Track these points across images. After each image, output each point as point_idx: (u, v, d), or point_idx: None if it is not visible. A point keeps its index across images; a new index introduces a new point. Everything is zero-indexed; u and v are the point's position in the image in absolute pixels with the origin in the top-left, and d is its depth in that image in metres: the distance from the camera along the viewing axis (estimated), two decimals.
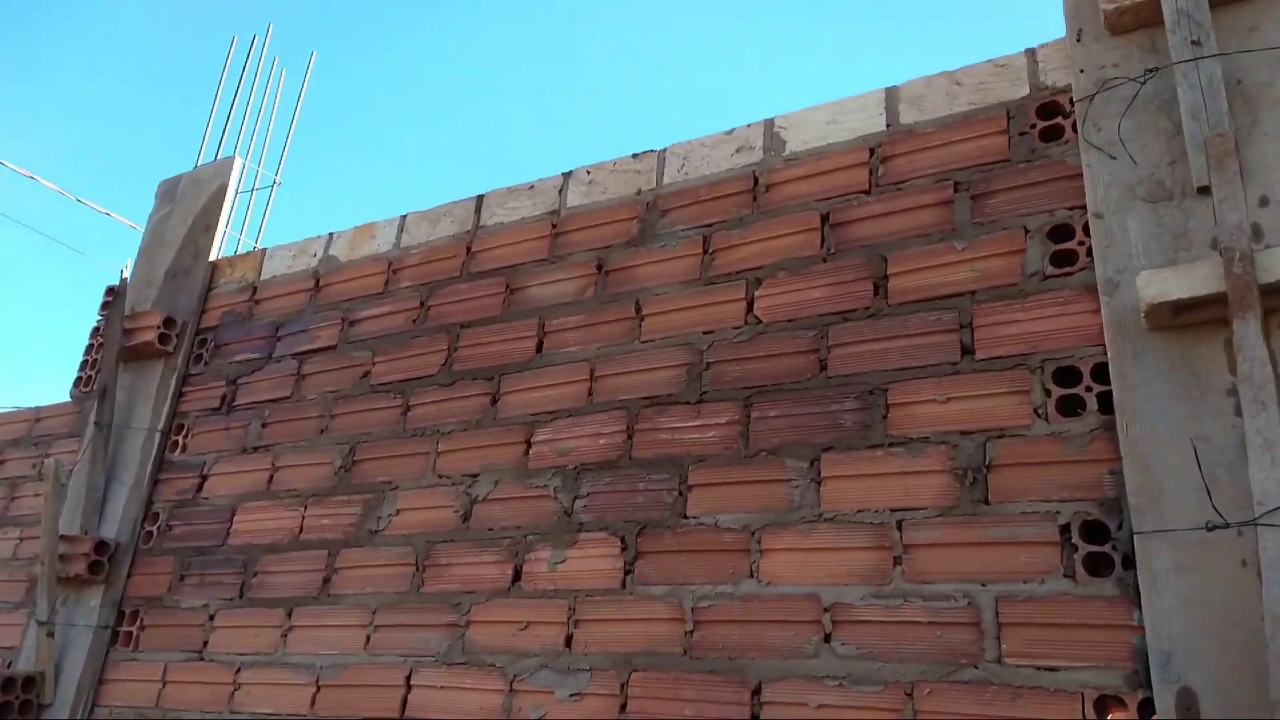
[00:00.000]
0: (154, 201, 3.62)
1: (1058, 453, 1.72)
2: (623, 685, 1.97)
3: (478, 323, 2.59)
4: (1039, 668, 1.61)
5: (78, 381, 3.48)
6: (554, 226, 2.59)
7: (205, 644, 2.62)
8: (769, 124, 2.35)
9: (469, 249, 2.72)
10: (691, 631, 1.94)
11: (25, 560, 3.24)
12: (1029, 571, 1.68)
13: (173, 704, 2.59)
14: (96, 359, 3.48)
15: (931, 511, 1.79)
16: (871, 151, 2.17)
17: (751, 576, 1.92)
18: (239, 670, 2.52)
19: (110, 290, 3.59)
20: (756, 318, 2.15)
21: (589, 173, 2.60)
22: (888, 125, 2.17)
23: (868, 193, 2.14)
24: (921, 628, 1.73)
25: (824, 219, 2.16)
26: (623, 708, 1.96)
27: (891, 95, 2.20)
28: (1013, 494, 1.74)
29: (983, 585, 1.71)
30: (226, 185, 3.42)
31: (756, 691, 1.83)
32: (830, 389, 1.99)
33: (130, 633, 2.78)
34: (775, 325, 2.12)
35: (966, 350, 1.88)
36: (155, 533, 2.89)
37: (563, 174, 2.66)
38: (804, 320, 2.09)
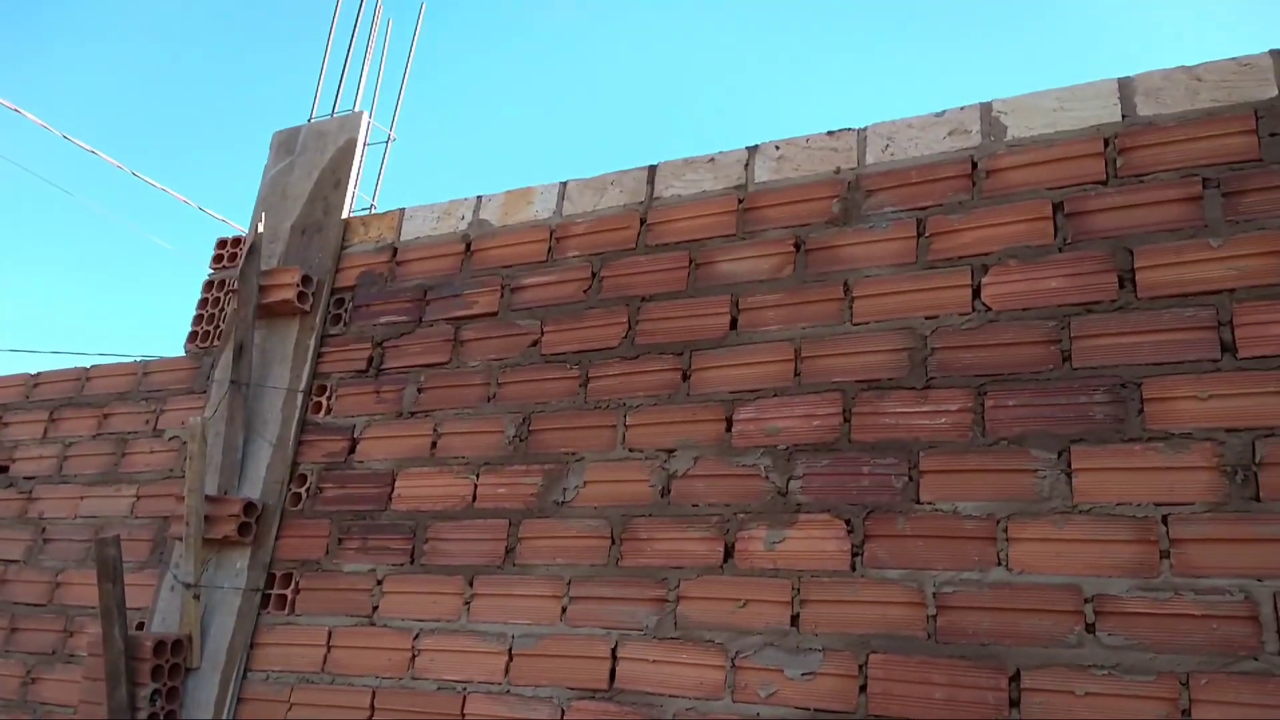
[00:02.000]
0: (268, 153, 3.52)
1: None
2: (860, 667, 1.99)
3: (660, 296, 2.56)
4: None
5: (192, 336, 3.39)
6: (740, 201, 2.56)
7: (375, 609, 2.59)
8: (986, 108, 2.33)
9: (643, 220, 2.68)
10: (934, 616, 1.96)
11: (146, 519, 3.18)
12: None
13: (342, 669, 2.57)
14: (215, 314, 3.39)
15: (1200, 507, 1.82)
16: (1107, 142, 2.16)
17: (1000, 565, 1.94)
18: (417, 636, 2.50)
19: (225, 242, 3.50)
20: (985, 305, 2.15)
21: (778, 148, 2.57)
22: (1123, 116, 2.17)
23: (1104, 183, 2.13)
24: (1194, 620, 1.76)
25: (1056, 208, 2.16)
26: (862, 689, 1.97)
27: (1126, 86, 2.19)
28: None
29: (1259, 580, 1.74)
30: (355, 140, 3.33)
31: (1014, 678, 1.85)
32: (1075, 380, 2.00)
33: (284, 596, 2.74)
34: (1007, 313, 2.12)
35: (1227, 348, 1.90)
36: (304, 495, 2.85)
37: (746, 148, 2.62)
38: (1041, 310, 2.09)
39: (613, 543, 2.36)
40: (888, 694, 1.94)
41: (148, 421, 3.33)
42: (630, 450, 2.43)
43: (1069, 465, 1.95)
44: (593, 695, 2.23)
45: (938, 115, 2.39)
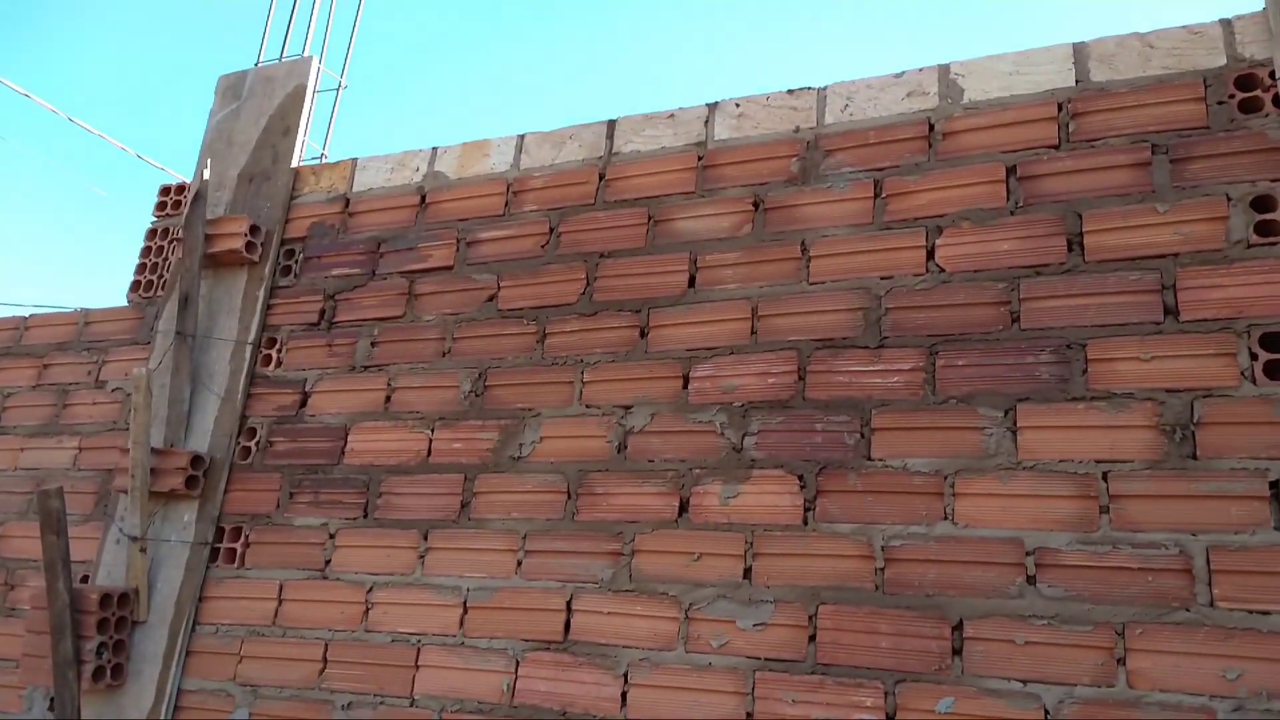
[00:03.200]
0: (214, 98, 3.42)
1: (1266, 414, 1.82)
2: (810, 618, 2.04)
3: (619, 253, 2.56)
4: (1251, 611, 1.74)
5: (135, 286, 3.30)
6: (700, 159, 2.55)
7: (327, 563, 2.58)
8: (944, 70, 2.35)
9: (602, 176, 2.67)
10: (883, 569, 2.01)
11: (89, 472, 3.11)
12: (1240, 523, 1.79)
13: (294, 621, 2.56)
14: (158, 263, 3.30)
15: (1139, 464, 1.88)
16: (1060, 106, 2.20)
17: (946, 519, 2.00)
18: (371, 590, 2.49)
19: (169, 189, 3.40)
20: (939, 266, 2.18)
21: (738, 105, 2.57)
22: (1077, 81, 2.20)
23: (1056, 147, 2.17)
24: (1131, 573, 1.83)
25: (1010, 171, 2.19)
26: (811, 639, 2.03)
27: (1080, 51, 2.22)
28: (1222, 450, 1.83)
29: (1193, 535, 1.81)
30: (305, 86, 3.25)
31: (957, 628, 1.92)
32: (1023, 341, 2.05)
33: (233, 550, 2.71)
34: (960, 275, 2.16)
35: (1169, 311, 1.96)
36: (254, 448, 2.81)
37: (707, 105, 2.61)
38: (992, 272, 2.13)
39: (569, 497, 2.37)
40: (836, 643, 2.00)
41: (89, 372, 3.25)
42: (587, 406, 2.44)
43: (1015, 423, 2.00)
44: (547, 647, 2.26)
45: (896, 76, 2.40)
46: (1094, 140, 2.13)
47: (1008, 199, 2.17)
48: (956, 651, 1.91)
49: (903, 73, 2.40)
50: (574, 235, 2.64)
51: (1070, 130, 2.17)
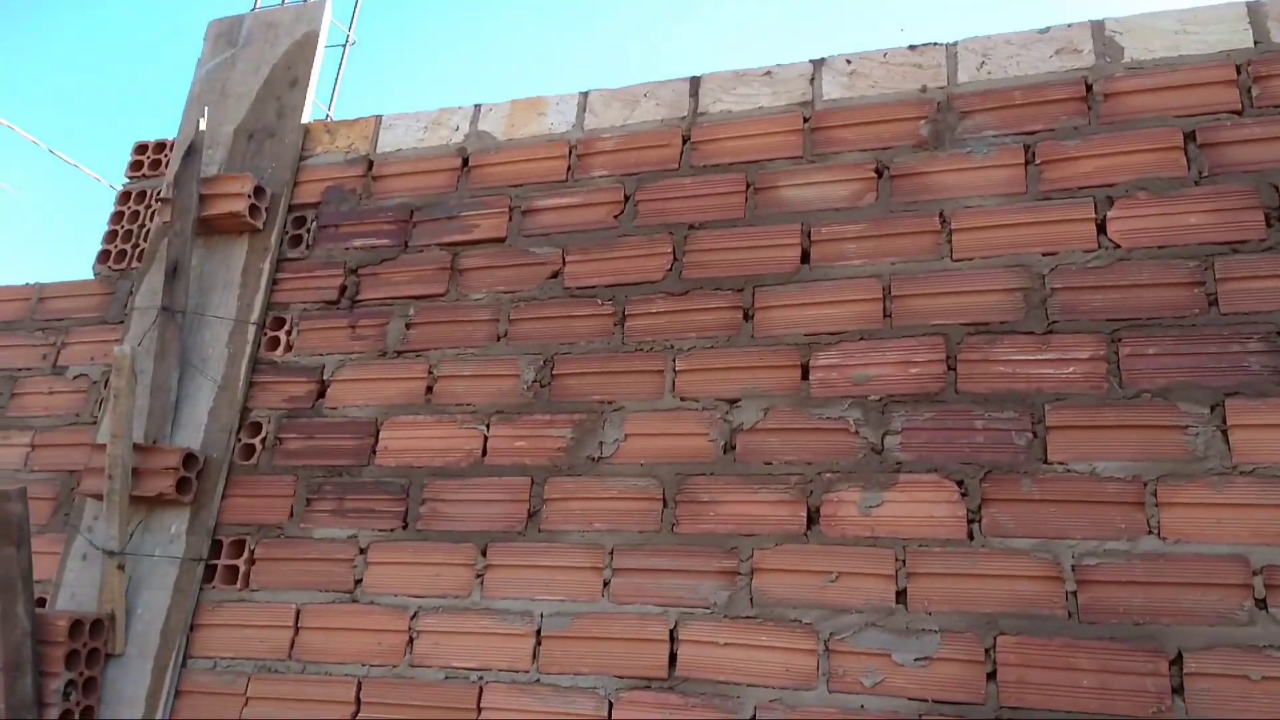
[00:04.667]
0: (202, 44, 2.96)
1: None
2: (987, 651, 1.70)
3: (712, 224, 2.21)
4: None
5: (104, 256, 2.81)
6: (806, 120, 2.23)
7: (358, 583, 2.14)
8: (1098, 26, 2.08)
9: (686, 138, 2.32)
10: (1074, 592, 1.70)
11: (45, 474, 2.59)
12: None
13: (316, 654, 2.11)
14: (133, 230, 2.82)
15: None
16: (1239, 69, 1.94)
17: (1151, 533, 1.69)
18: (415, 616, 2.07)
19: (145, 147, 2.93)
20: (1113, 241, 1.90)
21: (849, 62, 2.26)
22: (1256, 43, 1.95)
23: (1239, 113, 1.91)
24: None
25: (1188, 137, 1.93)
26: (990, 676, 1.69)
27: (1256, 10, 1.98)
28: None
29: None
30: (316, 33, 2.82)
31: (1175, 661, 1.61)
32: (1225, 328, 1.77)
33: (234, 567, 2.25)
34: (1139, 251, 1.87)
35: None
36: (259, 446, 2.35)
37: (810, 61, 2.29)
38: (1178, 248, 1.85)
39: (665, 505, 2.00)
40: (1023, 682, 1.67)
41: (45, 356, 2.73)
42: (682, 400, 2.07)
43: (1224, 421, 1.72)
44: (648, 685, 1.87)
45: (1041, 32, 2.13)
46: None
47: (1189, 168, 1.90)
48: (1176, 690, 1.60)
49: (1048, 28, 2.12)
50: (655, 204, 2.28)
51: (1254, 95, 1.92)
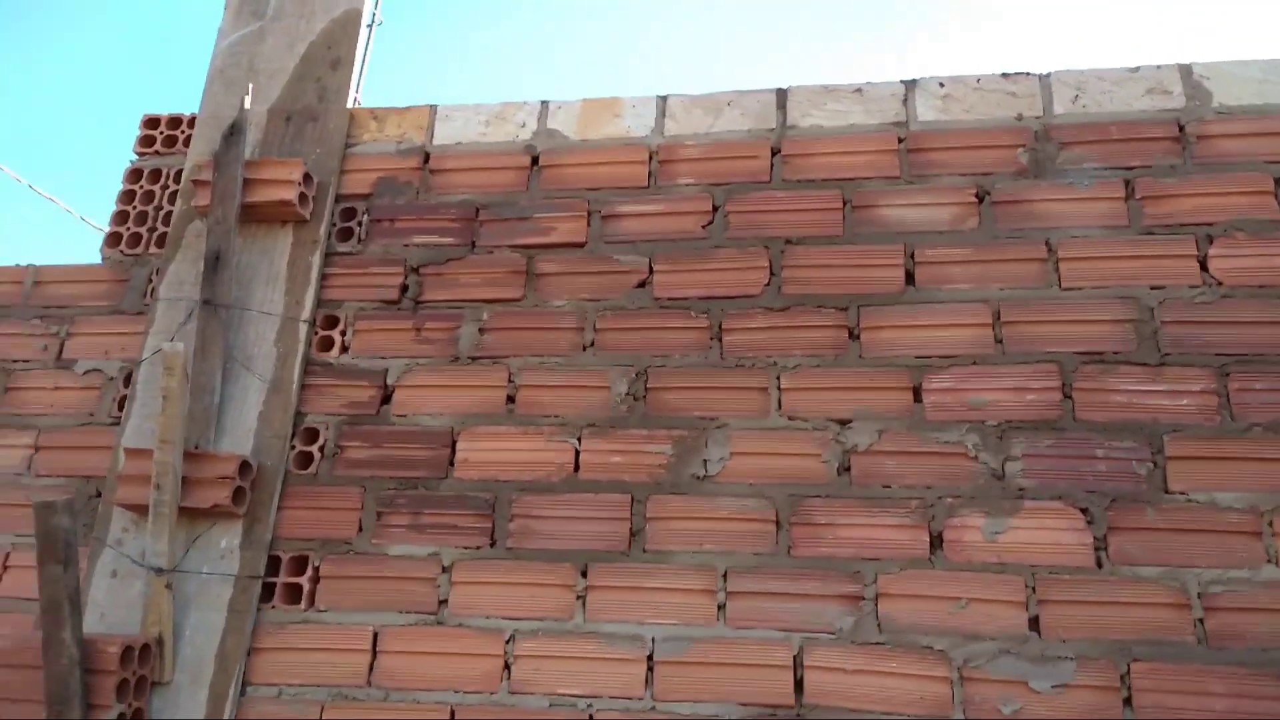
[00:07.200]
0: (223, 13, 2.74)
1: None
2: (1122, 677, 1.75)
3: (810, 240, 2.19)
4: None
5: (114, 239, 2.56)
6: (901, 140, 2.24)
7: (443, 604, 2.02)
8: (1186, 69, 2.17)
9: (775, 150, 2.29)
10: (1202, 619, 1.76)
11: (53, 479, 2.34)
12: None
13: (400, 680, 1.98)
14: (147, 211, 2.58)
15: None
16: None
17: (1270, 561, 1.77)
18: (511, 639, 1.97)
19: (157, 121, 2.69)
20: (1215, 279, 1.98)
21: (941, 85, 2.27)
22: None
23: None
24: None
25: (1278, 182, 2.03)
26: (1126, 702, 1.73)
27: None
28: None
29: None
30: (359, 12, 2.65)
31: None
32: None
33: (297, 586, 2.09)
34: (1242, 289, 1.96)
35: None
36: (318, 455, 2.19)
37: (902, 82, 2.30)
38: (1276, 288, 1.95)
39: (779, 527, 1.96)
40: (1160, 706, 1.72)
41: (46, 348, 2.47)
42: (790, 419, 2.04)
43: None
44: (774, 713, 1.84)
45: (1131, 70, 2.20)
46: None
47: None
48: None
49: (1138, 67, 2.19)
50: (747, 216, 2.24)
51: None
